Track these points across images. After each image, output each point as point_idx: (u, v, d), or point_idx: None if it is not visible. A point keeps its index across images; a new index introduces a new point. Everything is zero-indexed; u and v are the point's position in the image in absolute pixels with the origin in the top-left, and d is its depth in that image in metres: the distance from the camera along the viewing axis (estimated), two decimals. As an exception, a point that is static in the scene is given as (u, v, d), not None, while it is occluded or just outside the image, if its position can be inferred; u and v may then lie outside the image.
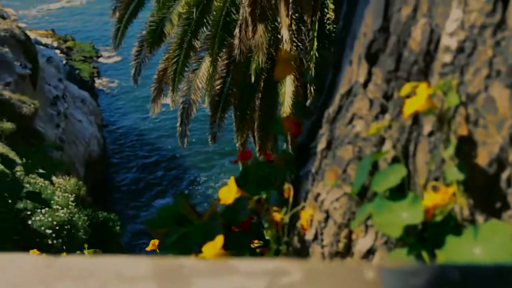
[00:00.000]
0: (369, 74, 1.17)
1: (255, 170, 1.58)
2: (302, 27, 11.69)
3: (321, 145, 1.29)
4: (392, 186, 1.02)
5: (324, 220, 1.26)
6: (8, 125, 19.89)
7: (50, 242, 11.04)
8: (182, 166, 32.21)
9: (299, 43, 11.60)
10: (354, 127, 1.20)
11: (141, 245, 24.91)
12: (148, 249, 2.92)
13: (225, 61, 13.08)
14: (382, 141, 1.14)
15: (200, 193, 30.08)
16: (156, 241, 2.96)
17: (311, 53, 11.54)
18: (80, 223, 12.21)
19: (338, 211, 1.23)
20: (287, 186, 1.35)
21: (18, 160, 16.18)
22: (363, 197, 1.18)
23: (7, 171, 1.61)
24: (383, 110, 1.14)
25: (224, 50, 12.51)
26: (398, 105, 1.11)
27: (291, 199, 1.33)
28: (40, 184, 11.52)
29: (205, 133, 26.24)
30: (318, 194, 1.28)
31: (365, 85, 1.18)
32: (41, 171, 2.58)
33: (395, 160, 1.11)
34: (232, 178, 1.29)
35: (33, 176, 2.77)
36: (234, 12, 11.96)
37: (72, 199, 12.77)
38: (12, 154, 17.00)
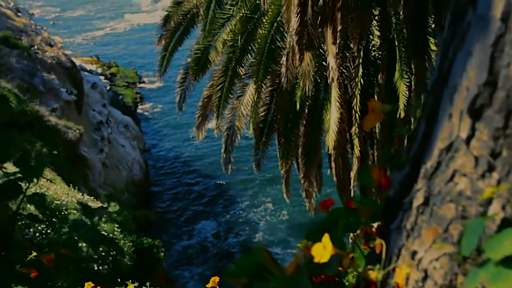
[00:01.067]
0: (473, 129, 1.12)
1: (338, 218, 1.54)
2: (347, 54, 11.66)
3: (418, 201, 1.24)
4: (509, 254, 0.96)
5: (422, 280, 1.21)
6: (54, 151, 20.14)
7: (96, 268, 11.12)
8: (223, 190, 32.28)
9: (344, 70, 11.56)
10: (457, 185, 1.15)
11: (183, 271, 24.99)
12: (208, 286, 2.88)
13: (269, 88, 13.12)
14: (489, 201, 1.09)
15: (242, 217, 30.07)
16: (216, 278, 2.91)
17: (356, 80, 11.49)
18: (125, 249, 12.28)
19: (439, 272, 1.17)
20: (379, 241, 1.30)
21: (65, 186, 16.43)
22: (466, 258, 1.12)
23: (86, 220, 1.61)
24: (490, 169, 1.09)
25: (268, 77, 12.56)
26: (507, 163, 1.06)
27: (383, 256, 1.28)
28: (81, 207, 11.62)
29: (245, 156, 26.38)
30: (415, 252, 1.23)
31: (468, 141, 1.13)
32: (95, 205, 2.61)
33: (505, 223, 1.05)
34: (327, 235, 1.25)
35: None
36: (279, 39, 12.01)
37: (117, 225, 12.86)
38: (58, 180, 17.30)
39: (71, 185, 16.32)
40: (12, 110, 17.46)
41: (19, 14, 38.32)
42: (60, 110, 28.38)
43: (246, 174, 30.57)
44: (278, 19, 11.83)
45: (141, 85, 45.49)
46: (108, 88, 41.81)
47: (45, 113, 25.71)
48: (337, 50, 9.08)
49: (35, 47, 31.59)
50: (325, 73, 11.55)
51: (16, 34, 31.80)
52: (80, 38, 54.20)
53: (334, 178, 13.66)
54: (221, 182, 32.50)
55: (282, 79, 9.79)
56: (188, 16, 13.53)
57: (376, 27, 10.62)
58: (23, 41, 30.78)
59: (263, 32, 12.09)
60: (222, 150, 13.79)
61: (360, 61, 11.36)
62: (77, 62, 40.04)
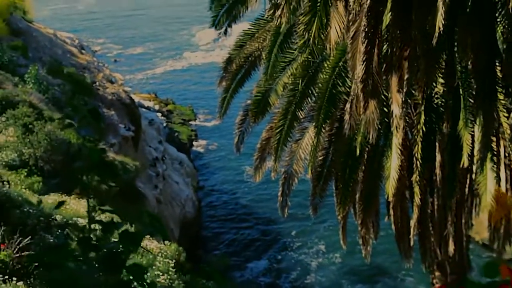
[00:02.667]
0: None
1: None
2: (409, 100, 11.51)
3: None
4: None
5: None
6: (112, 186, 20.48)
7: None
8: (276, 230, 32.14)
9: (405, 117, 11.40)
10: None
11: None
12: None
13: (328, 132, 13.05)
14: None
15: (294, 258, 29.85)
16: None
17: (418, 126, 11.31)
18: (179, 290, 12.25)
19: None
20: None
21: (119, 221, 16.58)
22: None
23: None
24: None
25: (328, 121, 12.49)
26: None
27: None
28: (143, 249, 11.69)
29: (299, 196, 26.22)
30: None
31: None
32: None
33: None
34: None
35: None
36: (340, 84, 11.97)
37: (172, 264, 12.87)
38: (116, 218, 17.49)
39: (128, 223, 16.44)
40: (73, 145, 17.90)
41: (83, 51, 39.61)
42: (118, 146, 28.94)
43: (299, 215, 30.41)
44: (340, 64, 11.82)
45: (197, 122, 46.11)
46: (164, 124, 42.54)
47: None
48: (402, 99, 8.98)
49: (97, 83, 32.47)
50: (386, 119, 11.42)
51: (80, 70, 32.80)
52: (140, 75, 55.50)
53: (393, 226, 13.38)
54: (274, 223, 32.40)
55: (345, 126, 9.71)
56: (250, 59, 13.66)
57: (440, 74, 10.45)
58: (86, 78, 31.68)
59: (325, 76, 12.07)
60: (279, 194, 13.72)
61: (423, 108, 11.21)
62: (136, 98, 40.97)
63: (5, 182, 11.77)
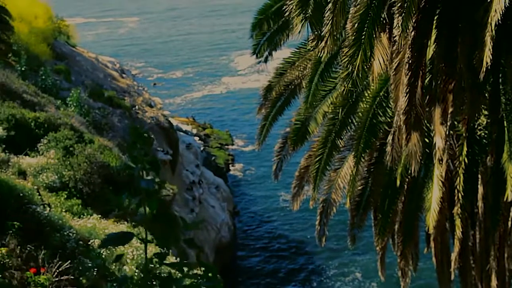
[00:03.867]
0: None
1: None
2: (451, 132, 11.34)
3: None
4: None
5: None
6: (148, 211, 20.57)
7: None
8: (311, 257, 31.92)
9: (448, 150, 11.21)
10: None
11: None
12: None
13: (367, 162, 12.92)
14: None
15: (329, 286, 29.58)
16: None
17: (460, 158, 11.11)
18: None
19: None
20: None
21: (156, 248, 16.64)
22: None
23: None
24: None
25: (367, 150, 12.38)
26: None
27: None
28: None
29: (336, 226, 25.98)
30: None
31: None
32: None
33: None
34: None
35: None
36: (381, 114, 11.87)
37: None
38: (153, 247, 17.52)
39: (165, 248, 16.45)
40: (112, 168, 18.06)
41: (123, 75, 40.31)
42: (156, 169, 29.17)
43: (335, 242, 30.18)
44: (381, 93, 11.74)
45: (234, 147, 46.29)
46: (202, 148, 42.83)
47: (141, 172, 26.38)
48: (446, 132, 8.84)
49: (136, 107, 32.92)
50: (427, 150, 11.26)
51: (120, 94, 33.35)
52: (178, 99, 56.13)
53: (433, 259, 13.12)
54: (309, 249, 32.18)
55: (387, 158, 9.59)
56: (290, 87, 13.65)
57: (484, 106, 10.28)
58: (126, 101, 32.16)
59: (365, 106, 11.99)
60: (317, 222, 13.60)
61: (465, 139, 11.02)
62: (174, 122, 41.40)
63: (46, 205, 11.91)
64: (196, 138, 44.21)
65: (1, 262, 7.94)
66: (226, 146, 45.87)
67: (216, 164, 41.94)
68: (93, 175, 17.01)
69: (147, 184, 2.54)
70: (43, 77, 26.72)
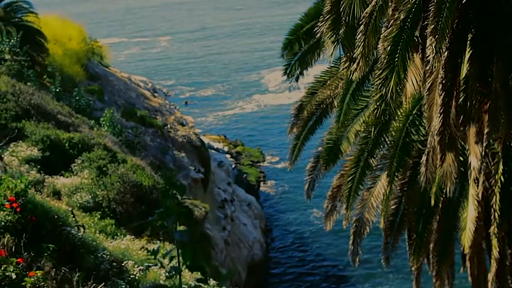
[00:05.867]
0: None
1: None
2: (486, 150, 11.16)
3: None
4: None
5: None
6: (181, 229, 20.64)
7: None
8: (344, 276, 31.65)
9: (484, 169, 11.03)
10: None
11: None
12: None
13: (401, 181, 12.78)
14: None
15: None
16: None
17: (496, 177, 10.91)
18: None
19: None
20: None
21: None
22: None
23: None
24: None
25: (400, 169, 12.25)
26: None
27: None
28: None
29: (369, 245, 25.70)
30: None
31: None
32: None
33: None
34: None
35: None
36: (414, 132, 11.76)
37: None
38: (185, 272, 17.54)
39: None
40: (144, 188, 18.19)
41: (155, 94, 40.72)
42: (187, 188, 29.33)
43: (368, 260, 29.85)
44: (414, 112, 11.63)
45: (265, 164, 46.25)
46: (233, 166, 42.89)
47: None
48: (482, 152, 8.71)
49: (168, 126, 33.18)
50: (462, 169, 11.10)
51: (152, 113, 33.67)
52: (210, 117, 56.40)
53: (469, 278, 12.87)
54: (342, 268, 31.91)
55: (421, 178, 9.48)
56: (321, 106, 13.63)
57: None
58: (158, 120, 32.45)
59: (398, 124, 11.90)
60: (350, 242, 13.48)
61: (501, 158, 10.83)
62: (206, 140, 41.60)
63: (80, 227, 12.02)
64: (228, 156, 44.30)
65: (37, 285, 8.01)
66: (258, 164, 45.83)
67: (248, 181, 41.92)
68: (126, 194, 17.15)
69: (180, 236, 2.53)
70: (77, 97, 27.13)
